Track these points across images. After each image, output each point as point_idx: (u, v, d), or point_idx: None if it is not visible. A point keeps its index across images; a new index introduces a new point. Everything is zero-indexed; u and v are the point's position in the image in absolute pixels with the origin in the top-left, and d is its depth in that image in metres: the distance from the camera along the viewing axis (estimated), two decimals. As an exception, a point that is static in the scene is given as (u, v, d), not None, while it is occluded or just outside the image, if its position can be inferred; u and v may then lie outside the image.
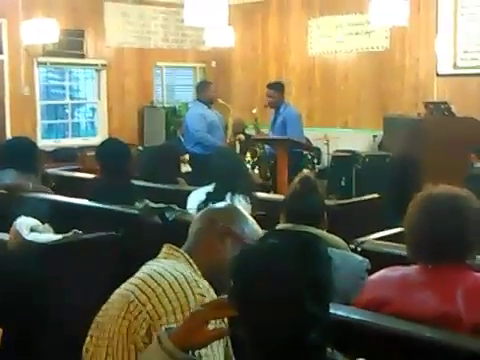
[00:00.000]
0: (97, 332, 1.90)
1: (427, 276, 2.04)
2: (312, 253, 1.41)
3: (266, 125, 7.80)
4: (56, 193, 4.75)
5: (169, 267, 1.91)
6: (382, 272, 2.19)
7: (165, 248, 2.02)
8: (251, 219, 2.09)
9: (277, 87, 7.53)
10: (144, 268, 1.96)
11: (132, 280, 1.92)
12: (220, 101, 7.85)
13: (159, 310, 1.77)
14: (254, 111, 7.79)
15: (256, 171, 7.81)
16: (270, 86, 7.58)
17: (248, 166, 7.64)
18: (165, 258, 1.98)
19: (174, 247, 2.01)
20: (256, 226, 2.07)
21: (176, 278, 1.84)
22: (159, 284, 1.83)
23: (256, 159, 8.09)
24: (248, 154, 8.23)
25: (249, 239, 1.93)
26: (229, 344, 1.91)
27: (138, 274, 1.93)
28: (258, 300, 1.36)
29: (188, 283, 1.83)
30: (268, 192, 6.21)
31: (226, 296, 1.46)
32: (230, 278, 1.42)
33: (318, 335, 1.37)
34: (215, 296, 1.82)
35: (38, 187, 4.75)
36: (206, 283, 1.90)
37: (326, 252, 1.44)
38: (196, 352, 1.57)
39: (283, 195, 3.08)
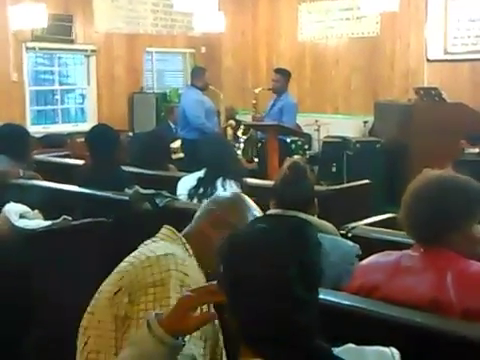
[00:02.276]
0: (93, 309, 1.93)
1: (418, 261, 2.04)
2: (301, 237, 1.40)
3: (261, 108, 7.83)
4: (46, 179, 4.73)
5: (162, 245, 1.96)
6: (373, 257, 2.19)
7: (164, 229, 2.07)
8: (255, 211, 2.08)
9: (284, 73, 7.60)
10: (140, 247, 2.02)
11: (127, 258, 1.98)
12: (211, 87, 7.85)
13: (141, 281, 1.81)
14: (257, 90, 7.78)
15: (239, 152, 7.83)
16: (277, 71, 7.67)
17: (239, 151, 7.66)
18: (162, 239, 2.03)
19: (172, 229, 2.06)
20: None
21: (166, 254, 1.88)
22: (148, 257, 1.88)
23: (248, 137, 8.08)
24: (240, 132, 8.23)
25: None
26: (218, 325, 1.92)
27: (134, 252, 1.99)
28: (247, 284, 1.35)
29: (175, 260, 1.86)
30: (254, 176, 6.18)
31: (215, 282, 1.46)
32: (219, 262, 1.42)
33: (307, 320, 1.37)
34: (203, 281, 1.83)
35: (29, 174, 4.73)
36: (195, 264, 1.95)
37: (316, 237, 1.43)
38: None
39: (273, 181, 3.07)
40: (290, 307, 1.35)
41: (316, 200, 2.85)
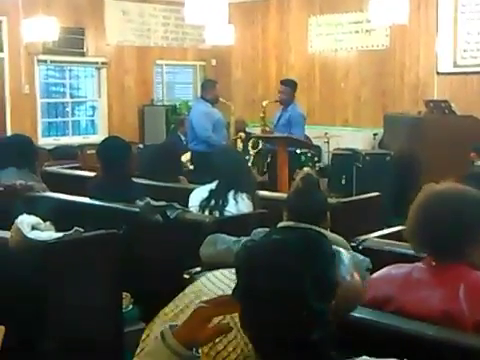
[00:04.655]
0: None
1: (430, 274, 2.04)
2: (316, 249, 1.40)
3: (269, 120, 7.80)
4: (57, 191, 4.74)
5: None
6: (385, 270, 2.19)
7: None
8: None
9: (290, 84, 7.53)
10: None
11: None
12: (222, 100, 7.85)
13: None
14: (264, 103, 7.74)
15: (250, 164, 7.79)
16: (283, 82, 7.59)
17: (249, 163, 7.64)
18: None
19: None
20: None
21: None
22: None
23: (257, 150, 8.03)
24: (250, 146, 8.19)
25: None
26: None
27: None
28: (262, 296, 1.36)
29: None
30: (264, 188, 6.17)
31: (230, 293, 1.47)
32: (235, 274, 1.42)
33: (321, 332, 1.37)
34: None
35: (30, 183, 4.73)
36: None
37: (330, 248, 1.44)
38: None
39: (283, 193, 3.07)
40: (304, 319, 1.35)
41: (328, 213, 2.85)
